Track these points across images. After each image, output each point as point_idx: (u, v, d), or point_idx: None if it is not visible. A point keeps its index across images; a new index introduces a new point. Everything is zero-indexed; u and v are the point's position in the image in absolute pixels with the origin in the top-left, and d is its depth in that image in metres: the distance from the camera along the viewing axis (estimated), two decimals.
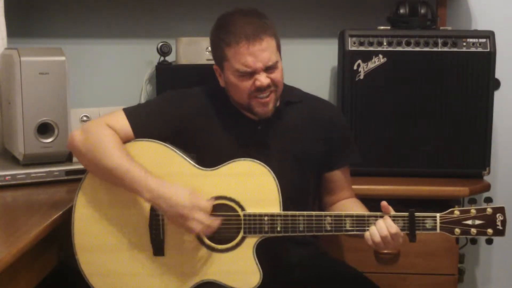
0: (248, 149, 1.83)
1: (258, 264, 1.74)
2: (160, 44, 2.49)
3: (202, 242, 1.76)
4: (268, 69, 1.77)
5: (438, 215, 1.71)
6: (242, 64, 1.75)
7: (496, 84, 2.60)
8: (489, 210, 1.70)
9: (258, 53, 1.74)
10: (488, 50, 2.27)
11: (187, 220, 1.68)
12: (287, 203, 1.75)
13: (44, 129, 2.09)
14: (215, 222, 1.70)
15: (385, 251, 2.21)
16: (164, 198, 1.69)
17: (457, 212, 1.70)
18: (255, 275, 1.74)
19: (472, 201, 1.73)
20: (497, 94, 2.45)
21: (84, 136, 1.77)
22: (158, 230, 1.77)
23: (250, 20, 1.77)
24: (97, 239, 1.78)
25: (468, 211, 1.70)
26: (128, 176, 1.70)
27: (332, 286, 1.84)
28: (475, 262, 2.80)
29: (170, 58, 2.51)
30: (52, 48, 2.14)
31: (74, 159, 2.05)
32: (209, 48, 2.30)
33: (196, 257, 1.76)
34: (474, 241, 1.75)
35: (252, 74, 1.77)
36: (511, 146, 2.72)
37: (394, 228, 1.69)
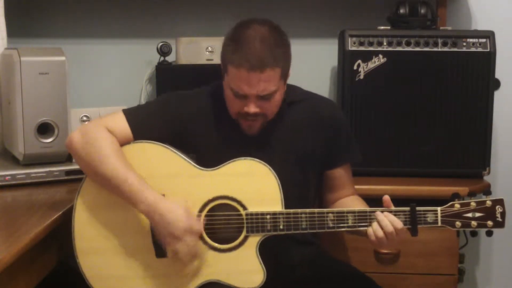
0: (249, 149, 1.83)
1: (262, 263, 1.74)
2: (160, 44, 2.49)
3: (205, 242, 1.76)
4: (262, 98, 1.76)
5: (439, 208, 1.73)
6: (237, 86, 1.75)
7: (496, 84, 2.60)
8: (488, 203, 1.72)
9: (254, 82, 1.72)
10: (488, 50, 2.27)
11: (176, 241, 1.67)
12: (288, 202, 1.75)
13: (44, 129, 2.09)
14: (199, 251, 1.71)
15: (385, 251, 2.21)
16: (160, 214, 1.67)
17: (457, 206, 1.73)
18: (258, 274, 1.74)
19: (472, 195, 1.75)
20: (497, 94, 2.45)
21: (82, 138, 1.77)
22: None
23: (263, 46, 1.72)
24: (98, 242, 1.77)
25: (468, 204, 1.72)
26: (124, 186, 1.69)
27: (333, 285, 1.84)
28: (475, 262, 2.80)
29: (170, 58, 2.52)
30: (52, 48, 2.13)
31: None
32: (209, 48, 2.30)
33: (199, 258, 1.76)
34: (474, 234, 1.77)
35: (244, 97, 1.76)
36: (511, 146, 2.72)
37: (399, 224, 1.70)
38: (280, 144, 1.88)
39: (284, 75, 1.80)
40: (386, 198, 1.74)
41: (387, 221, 1.70)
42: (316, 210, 1.75)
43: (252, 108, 1.76)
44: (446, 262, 2.24)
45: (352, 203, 1.92)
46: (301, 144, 1.90)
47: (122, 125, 1.81)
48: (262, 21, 1.78)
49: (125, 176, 1.70)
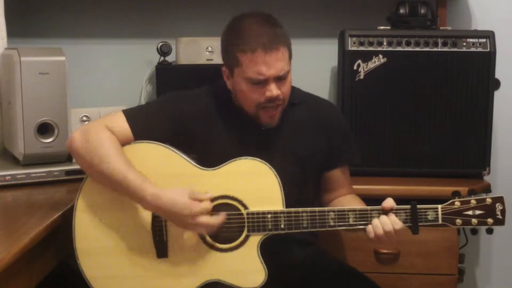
0: (250, 148, 1.83)
1: (263, 262, 1.74)
2: (160, 44, 2.49)
3: (206, 242, 1.76)
4: (279, 79, 1.76)
5: (439, 206, 1.73)
6: (256, 73, 1.74)
7: (496, 84, 2.60)
8: (488, 200, 1.72)
9: (273, 62, 1.73)
10: (488, 50, 2.27)
11: (191, 227, 1.70)
12: (288, 202, 1.75)
13: (44, 129, 2.09)
14: (219, 219, 1.71)
15: (385, 251, 2.21)
16: (163, 208, 1.68)
17: (457, 203, 1.73)
18: (260, 273, 1.74)
19: (472, 192, 1.75)
20: (497, 94, 2.45)
21: (83, 138, 1.76)
22: (161, 231, 1.76)
23: (266, 28, 1.75)
24: (99, 242, 1.77)
25: (469, 202, 1.72)
26: (126, 183, 1.69)
27: (333, 285, 1.84)
28: (475, 262, 2.80)
29: (170, 58, 2.52)
30: (52, 48, 2.13)
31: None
32: (209, 48, 2.29)
33: (200, 257, 1.76)
34: (474, 232, 1.76)
35: (263, 83, 1.76)
36: (511, 146, 2.72)
37: (398, 224, 1.70)
38: (280, 145, 1.88)
39: (290, 55, 1.81)
40: (389, 203, 1.74)
41: (388, 219, 1.71)
42: (317, 209, 1.75)
43: (275, 90, 1.76)
44: (446, 262, 2.23)
45: (349, 201, 1.92)
46: (301, 145, 1.90)
47: (122, 125, 1.81)
48: (252, 12, 1.82)
49: (126, 174, 1.70)
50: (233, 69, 1.80)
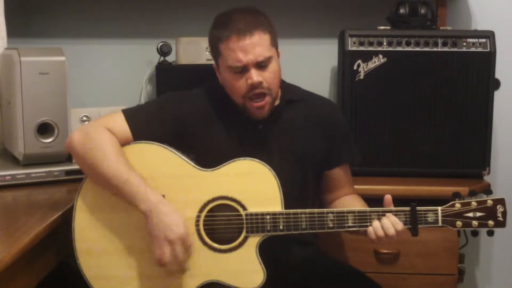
0: (249, 148, 1.83)
1: (262, 263, 1.74)
2: (160, 44, 2.49)
3: (205, 243, 1.76)
4: (260, 66, 1.76)
5: (439, 208, 1.72)
6: (234, 59, 1.75)
7: (496, 84, 2.60)
8: (489, 202, 1.72)
9: (248, 47, 1.74)
10: (488, 50, 2.27)
11: (168, 245, 1.66)
12: (288, 202, 1.75)
13: (44, 129, 2.09)
14: (183, 264, 1.71)
15: (385, 251, 2.21)
16: (159, 215, 1.66)
17: (458, 205, 1.72)
18: (258, 274, 1.74)
19: (473, 194, 1.74)
20: (497, 94, 2.45)
21: (82, 138, 1.76)
22: None
23: (244, 16, 1.78)
24: (99, 243, 1.77)
25: (469, 204, 1.72)
26: (125, 186, 1.69)
27: (333, 286, 1.84)
28: (475, 262, 2.80)
29: (170, 58, 2.52)
30: (52, 48, 2.13)
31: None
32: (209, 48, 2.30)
33: (199, 258, 1.76)
34: (475, 233, 1.76)
35: (244, 71, 1.76)
36: (511, 146, 2.72)
37: (400, 226, 1.70)
38: (279, 144, 1.88)
39: (275, 43, 1.82)
40: (388, 198, 1.74)
41: (389, 222, 1.70)
42: (316, 210, 1.75)
43: (255, 76, 1.76)
44: (446, 262, 2.23)
45: (351, 202, 1.93)
46: (301, 144, 1.90)
47: (121, 126, 1.81)
48: (237, 7, 1.84)
49: (126, 176, 1.69)
50: (218, 62, 1.82)
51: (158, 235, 1.67)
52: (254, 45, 1.74)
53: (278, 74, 1.83)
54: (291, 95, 1.92)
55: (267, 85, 1.78)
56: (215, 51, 1.82)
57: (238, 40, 1.74)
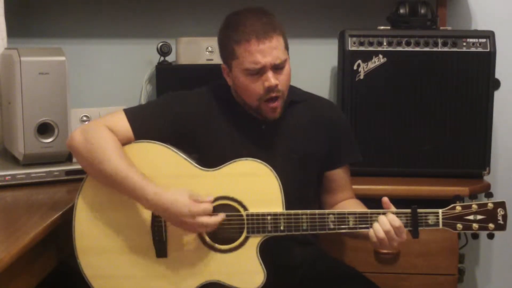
0: (251, 149, 1.83)
1: (262, 263, 1.74)
2: (160, 44, 2.49)
3: (205, 243, 1.76)
4: (277, 68, 1.77)
5: (440, 211, 1.72)
6: (252, 62, 1.75)
7: (496, 84, 2.60)
8: (490, 205, 1.71)
9: (267, 50, 1.74)
10: (488, 50, 2.27)
11: (189, 226, 1.69)
12: (289, 203, 1.75)
13: (44, 129, 2.09)
14: (217, 219, 1.71)
15: (386, 251, 2.21)
16: (163, 208, 1.68)
17: (459, 208, 1.72)
18: (259, 274, 1.74)
19: (473, 197, 1.74)
20: (497, 94, 2.45)
21: (83, 137, 1.77)
22: (160, 231, 1.77)
23: (259, 18, 1.77)
24: (99, 242, 1.77)
25: (470, 207, 1.71)
26: (126, 182, 1.69)
27: (333, 286, 1.84)
28: (475, 262, 2.80)
29: (170, 58, 2.52)
30: (52, 48, 2.13)
31: (74, 159, 2.05)
32: (209, 48, 2.29)
33: (200, 258, 1.76)
34: (475, 236, 1.76)
35: (261, 73, 1.76)
36: (511, 146, 2.72)
37: (397, 222, 1.69)
38: (281, 144, 1.88)
39: (287, 46, 1.82)
40: (386, 200, 1.73)
41: (387, 221, 1.70)
42: (317, 211, 1.74)
43: (273, 79, 1.76)
44: (446, 262, 2.23)
45: (352, 206, 1.91)
46: (303, 144, 1.90)
47: (123, 125, 1.81)
48: (246, 7, 1.83)
49: (127, 173, 1.70)
50: (231, 63, 1.81)
51: (177, 223, 1.69)
52: (272, 48, 1.75)
53: (289, 77, 1.84)
54: (293, 96, 1.92)
55: (281, 87, 1.80)
56: (230, 52, 1.80)
57: (258, 43, 1.74)
